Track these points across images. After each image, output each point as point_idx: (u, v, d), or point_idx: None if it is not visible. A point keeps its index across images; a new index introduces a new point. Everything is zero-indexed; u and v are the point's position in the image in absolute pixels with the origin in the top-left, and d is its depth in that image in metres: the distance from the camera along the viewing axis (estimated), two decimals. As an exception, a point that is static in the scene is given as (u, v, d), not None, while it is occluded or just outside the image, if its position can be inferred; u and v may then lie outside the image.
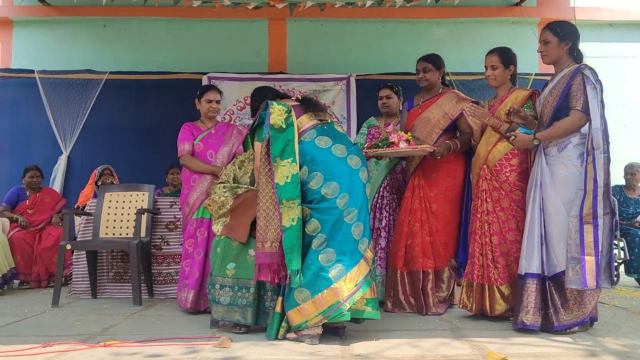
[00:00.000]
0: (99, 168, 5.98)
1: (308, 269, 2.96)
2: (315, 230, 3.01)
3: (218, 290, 3.21)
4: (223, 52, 7.64)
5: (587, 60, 3.64)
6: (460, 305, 3.64)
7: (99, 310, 4.04)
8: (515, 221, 3.48)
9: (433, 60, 4.09)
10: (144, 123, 7.30)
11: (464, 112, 3.76)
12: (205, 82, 7.27)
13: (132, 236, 4.56)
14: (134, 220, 4.65)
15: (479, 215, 3.56)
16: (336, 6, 6.24)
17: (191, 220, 3.95)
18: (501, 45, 3.84)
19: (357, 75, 7.40)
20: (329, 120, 3.27)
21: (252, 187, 3.52)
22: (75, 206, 5.97)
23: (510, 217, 3.49)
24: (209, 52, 7.62)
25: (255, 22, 7.70)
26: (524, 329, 3.15)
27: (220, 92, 4.23)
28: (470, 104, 3.79)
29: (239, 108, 7.33)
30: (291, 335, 3.00)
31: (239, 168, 3.66)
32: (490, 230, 3.51)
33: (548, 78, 3.60)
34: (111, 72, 7.27)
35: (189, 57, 7.56)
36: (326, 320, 2.92)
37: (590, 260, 2.93)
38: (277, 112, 3.10)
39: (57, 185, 6.87)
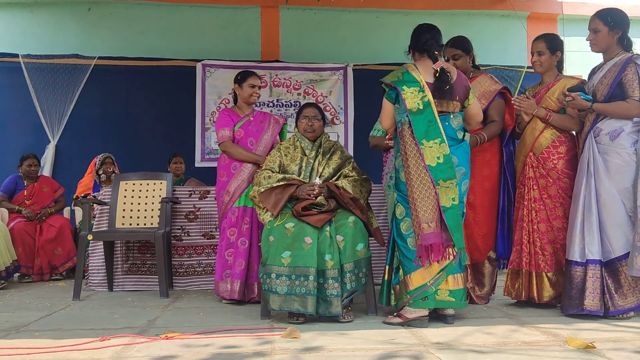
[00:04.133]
0: (99, 157, 5.74)
1: (399, 251, 3.13)
2: (401, 214, 3.15)
3: (274, 280, 3.11)
4: (214, 39, 7.43)
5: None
6: (505, 293, 3.64)
7: (126, 303, 3.87)
8: (563, 209, 3.48)
9: (462, 45, 3.84)
10: (136, 111, 7.06)
11: (513, 103, 3.64)
12: (199, 69, 7.13)
13: (153, 226, 4.41)
14: (152, 210, 4.51)
15: (525, 203, 3.55)
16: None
17: (232, 208, 3.82)
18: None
19: (354, 65, 7.36)
20: (450, 111, 3.16)
21: (301, 179, 3.45)
22: (74, 196, 5.73)
23: (558, 205, 3.49)
24: (199, 38, 7.40)
25: (247, 9, 7.54)
26: (579, 315, 3.17)
27: (260, 78, 4.11)
28: (517, 96, 3.66)
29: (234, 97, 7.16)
30: (395, 319, 3.04)
31: (285, 155, 3.57)
32: (537, 218, 3.51)
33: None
34: (100, 57, 6.98)
35: (179, 44, 7.32)
36: (412, 301, 3.00)
37: None
38: (410, 97, 3.08)
39: (45, 174, 6.55)
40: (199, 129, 7.10)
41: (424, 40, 3.24)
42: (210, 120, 7.11)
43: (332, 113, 7.23)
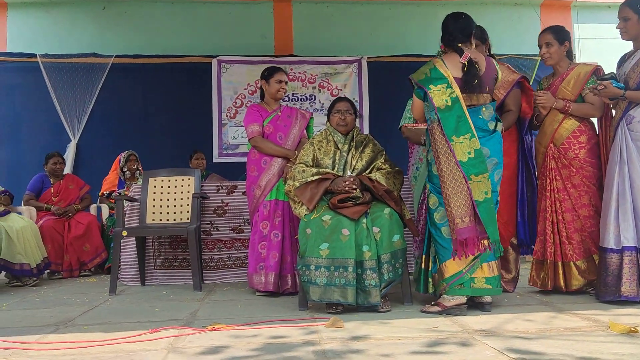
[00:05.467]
0: (123, 154, 5.82)
1: (434, 240, 3.17)
2: (434, 204, 3.19)
3: (313, 271, 3.17)
4: (228, 35, 7.48)
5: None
6: (531, 283, 3.70)
7: (163, 297, 3.94)
8: (588, 197, 3.52)
9: (478, 34, 3.70)
10: (154, 108, 7.15)
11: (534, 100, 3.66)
12: (215, 65, 7.19)
13: (183, 221, 4.48)
14: (181, 206, 4.58)
15: (548, 194, 3.58)
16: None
17: (263, 202, 3.89)
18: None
19: (368, 58, 7.39)
20: (481, 103, 3.18)
21: (335, 173, 3.50)
22: (100, 193, 5.81)
23: (583, 194, 3.52)
24: (213, 35, 7.45)
25: (260, 4, 7.59)
26: (614, 301, 3.21)
27: (286, 73, 4.16)
28: (536, 92, 3.67)
29: (250, 92, 7.25)
30: (434, 308, 3.09)
31: (318, 149, 3.63)
32: (562, 208, 3.54)
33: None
34: (117, 56, 7.05)
35: (194, 40, 7.38)
36: (448, 289, 3.07)
37: None
38: (437, 95, 3.08)
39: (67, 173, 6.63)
40: (216, 124, 7.18)
41: (449, 33, 3.24)
42: (227, 115, 7.18)
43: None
